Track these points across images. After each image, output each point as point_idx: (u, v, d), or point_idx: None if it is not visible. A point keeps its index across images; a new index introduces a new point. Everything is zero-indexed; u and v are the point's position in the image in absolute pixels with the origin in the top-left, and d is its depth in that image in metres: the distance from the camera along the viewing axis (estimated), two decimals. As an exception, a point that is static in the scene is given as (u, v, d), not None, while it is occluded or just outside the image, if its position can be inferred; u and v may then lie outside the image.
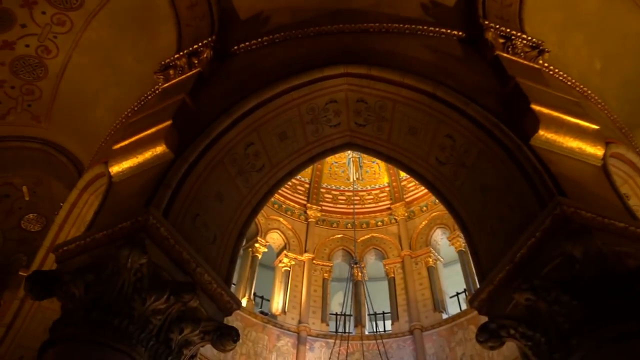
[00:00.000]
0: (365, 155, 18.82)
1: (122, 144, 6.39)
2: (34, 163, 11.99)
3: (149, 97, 8.47)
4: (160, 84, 7.97)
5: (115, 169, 6.14)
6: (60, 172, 11.69)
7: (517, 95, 6.01)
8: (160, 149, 5.91)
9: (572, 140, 5.52)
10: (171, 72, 7.92)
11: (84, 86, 10.78)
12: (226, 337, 5.17)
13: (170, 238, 5.01)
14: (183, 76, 7.61)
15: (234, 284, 13.75)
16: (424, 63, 6.82)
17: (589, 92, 8.10)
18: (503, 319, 4.76)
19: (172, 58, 8.09)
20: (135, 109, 8.70)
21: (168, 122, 6.13)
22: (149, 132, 6.22)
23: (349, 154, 18.57)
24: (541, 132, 5.45)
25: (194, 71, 7.55)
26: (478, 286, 5.55)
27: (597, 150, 5.54)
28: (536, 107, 5.63)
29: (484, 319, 5.17)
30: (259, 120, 6.58)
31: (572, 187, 4.87)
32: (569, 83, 7.94)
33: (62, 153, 11.52)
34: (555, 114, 5.70)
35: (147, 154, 5.99)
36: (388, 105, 6.74)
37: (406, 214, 17.08)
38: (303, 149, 7.15)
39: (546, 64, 7.59)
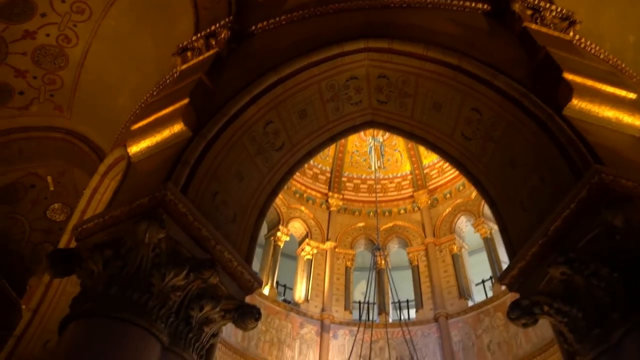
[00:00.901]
0: (387, 143, 18.61)
1: (140, 124, 6.33)
2: (57, 153, 12.12)
3: (168, 81, 8.40)
4: (178, 67, 7.89)
5: (133, 149, 6.08)
6: (84, 161, 11.79)
7: (547, 65, 5.70)
8: (177, 127, 5.81)
9: (608, 110, 5.20)
10: (189, 54, 7.83)
11: (104, 74, 10.83)
12: (248, 315, 5.05)
13: (188, 214, 4.91)
14: (200, 57, 7.51)
15: (256, 273, 13.71)
16: (448, 36, 6.56)
17: (623, 65, 7.71)
18: (536, 295, 4.51)
19: (189, 40, 8.00)
20: (154, 93, 8.65)
21: (185, 101, 6.03)
22: (166, 111, 6.13)
23: (371, 142, 18.38)
24: (575, 102, 5.15)
25: (211, 52, 7.44)
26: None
27: (635, 120, 5.21)
28: (569, 76, 5.33)
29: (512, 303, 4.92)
30: (278, 97, 6.42)
31: (610, 156, 4.58)
32: (601, 56, 7.57)
33: (84, 142, 11.61)
34: (590, 82, 5.39)
35: (165, 133, 5.90)
36: (411, 80, 6.50)
37: (429, 202, 16.76)
38: (323, 128, 6.97)
39: (577, 36, 7.24)
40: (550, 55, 5.77)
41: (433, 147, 6.77)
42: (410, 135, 6.97)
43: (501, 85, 5.69)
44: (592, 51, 7.55)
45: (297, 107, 6.64)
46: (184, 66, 7.65)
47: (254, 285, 5.51)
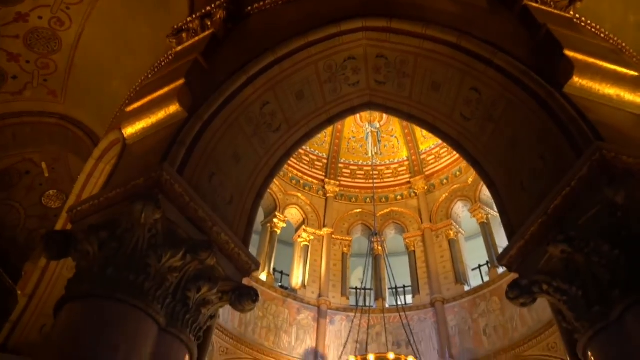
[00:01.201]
0: (383, 130, 18.53)
1: (135, 105, 6.22)
2: (52, 138, 11.99)
3: (163, 64, 8.28)
4: (173, 49, 7.76)
5: (129, 130, 5.98)
6: (78, 146, 11.66)
7: (548, 43, 5.62)
8: (173, 108, 5.71)
9: (609, 87, 5.14)
10: (184, 35, 7.69)
11: (98, 58, 10.65)
12: (245, 297, 5.01)
13: (185, 195, 4.84)
14: (196, 38, 7.38)
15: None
16: (447, 14, 6.45)
17: (624, 44, 7.63)
18: (536, 275, 4.48)
19: (184, 22, 7.85)
20: (149, 76, 8.53)
21: (181, 81, 5.93)
22: (161, 92, 6.03)
23: (367, 128, 18.29)
24: (576, 79, 5.08)
25: (207, 33, 7.30)
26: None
27: (636, 98, 5.15)
28: (570, 53, 5.26)
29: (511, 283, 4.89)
30: (275, 78, 6.32)
31: (611, 133, 4.53)
32: (602, 35, 7.48)
33: (78, 127, 11.47)
34: (591, 60, 5.31)
35: (160, 114, 5.81)
36: (409, 60, 6.41)
37: (426, 187, 16.74)
38: (321, 109, 6.89)
39: (577, 15, 7.15)
40: (551, 32, 5.69)
41: (431, 128, 6.70)
42: (409, 116, 6.90)
43: (501, 63, 5.62)
44: (593, 30, 7.46)
45: (294, 88, 6.55)
46: (179, 48, 7.52)
47: (251, 267, 5.47)
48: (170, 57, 7.81)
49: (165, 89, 6.01)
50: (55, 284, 7.98)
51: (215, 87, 6.04)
